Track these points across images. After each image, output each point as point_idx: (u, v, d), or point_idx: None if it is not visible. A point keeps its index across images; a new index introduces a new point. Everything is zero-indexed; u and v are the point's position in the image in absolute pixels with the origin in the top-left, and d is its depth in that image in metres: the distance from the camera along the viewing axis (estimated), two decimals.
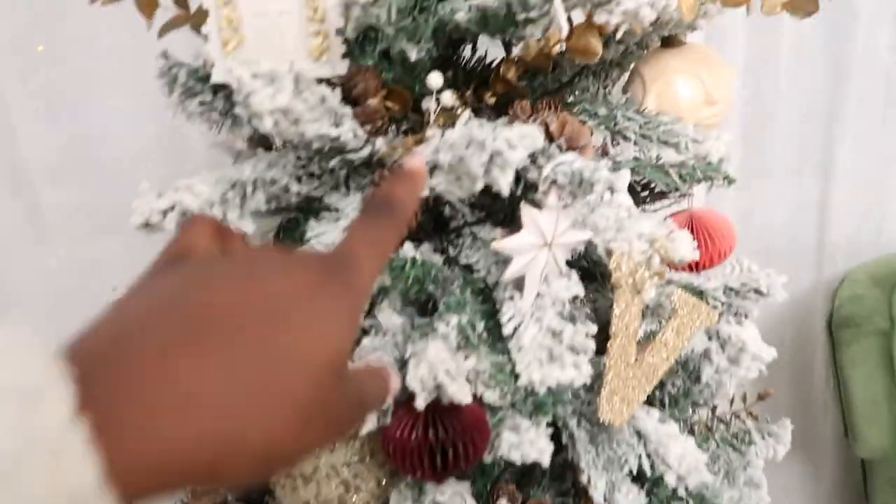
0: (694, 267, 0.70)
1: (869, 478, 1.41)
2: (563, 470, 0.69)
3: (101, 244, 1.38)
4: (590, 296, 0.69)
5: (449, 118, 0.64)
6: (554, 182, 0.53)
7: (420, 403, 0.52)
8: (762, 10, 0.54)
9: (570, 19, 0.58)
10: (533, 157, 0.54)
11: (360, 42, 0.55)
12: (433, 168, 0.54)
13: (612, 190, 0.50)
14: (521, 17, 0.50)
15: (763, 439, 0.76)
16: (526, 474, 0.69)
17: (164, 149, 1.34)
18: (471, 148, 0.48)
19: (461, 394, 0.53)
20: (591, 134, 0.63)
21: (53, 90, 1.26)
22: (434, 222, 0.67)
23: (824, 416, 1.49)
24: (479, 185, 0.51)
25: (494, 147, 0.47)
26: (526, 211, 0.53)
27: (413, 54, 0.52)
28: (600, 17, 0.52)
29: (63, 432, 0.20)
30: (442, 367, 0.50)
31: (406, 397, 0.54)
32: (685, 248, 0.58)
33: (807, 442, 1.50)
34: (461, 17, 0.55)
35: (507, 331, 0.58)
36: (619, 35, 0.56)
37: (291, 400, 0.26)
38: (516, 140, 0.47)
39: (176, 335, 0.25)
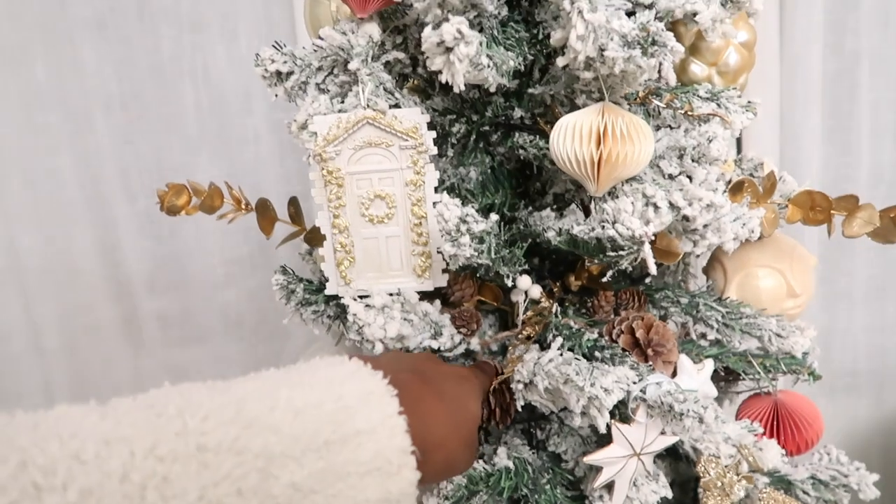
0: None
1: None
2: None
3: (190, 352, 1.48)
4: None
5: (537, 311, 0.68)
6: (643, 401, 0.55)
7: None
8: (844, 235, 0.56)
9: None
10: None
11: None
12: (528, 384, 0.58)
13: (700, 420, 0.52)
14: (610, 252, 0.54)
15: None
16: None
17: (253, 266, 1.43)
18: (568, 387, 0.51)
19: None
20: (675, 335, 0.65)
21: (155, 209, 1.37)
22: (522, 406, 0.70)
23: None
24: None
25: (592, 393, 0.50)
26: (615, 428, 0.56)
27: (510, 281, 0.57)
28: (685, 246, 0.55)
29: (390, 420, 0.39)
30: None
31: None
32: (774, 457, 0.59)
33: None
34: (551, 235, 0.59)
35: None
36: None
37: (466, 433, 0.47)
38: (612, 385, 0.50)
39: (428, 386, 0.46)
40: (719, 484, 0.60)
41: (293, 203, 0.64)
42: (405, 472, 0.38)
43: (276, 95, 0.58)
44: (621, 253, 0.53)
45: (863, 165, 1.31)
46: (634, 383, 0.55)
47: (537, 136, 0.62)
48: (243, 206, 0.63)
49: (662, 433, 0.59)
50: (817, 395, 1.38)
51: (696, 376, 0.65)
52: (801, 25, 1.20)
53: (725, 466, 0.60)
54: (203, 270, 1.43)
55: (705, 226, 0.54)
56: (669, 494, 0.61)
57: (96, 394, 0.38)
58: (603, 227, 0.53)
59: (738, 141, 1.29)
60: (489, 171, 0.67)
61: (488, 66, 0.48)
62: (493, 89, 0.52)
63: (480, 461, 0.58)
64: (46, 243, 1.36)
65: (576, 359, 0.52)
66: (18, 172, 1.30)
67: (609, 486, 0.60)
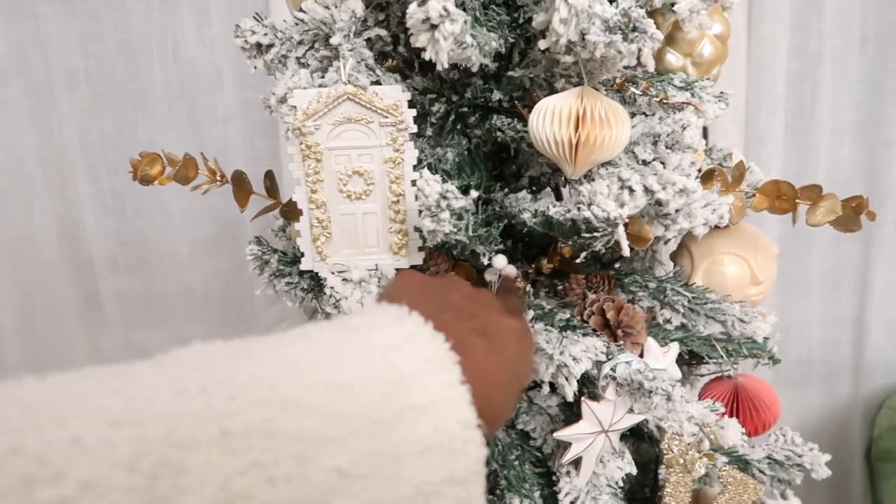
0: None
1: None
2: None
3: (152, 333, 1.46)
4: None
5: None
6: (613, 379, 0.57)
7: None
8: (807, 223, 0.58)
9: None
10: None
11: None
12: None
13: (668, 398, 0.54)
14: (585, 234, 0.55)
15: None
16: None
17: (219, 247, 1.42)
18: (538, 356, 0.52)
19: None
20: (643, 317, 0.67)
21: (120, 187, 1.35)
22: None
23: None
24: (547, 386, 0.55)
25: (560, 361, 0.51)
26: (585, 404, 0.57)
27: (485, 259, 0.57)
28: (657, 231, 0.57)
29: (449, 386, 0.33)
30: None
31: None
32: (734, 435, 0.61)
33: None
34: (527, 217, 0.60)
35: None
36: None
37: (516, 393, 0.42)
38: (580, 354, 0.51)
39: (492, 350, 0.40)
40: (682, 461, 0.62)
41: (269, 176, 0.64)
42: (471, 449, 0.33)
43: (255, 68, 0.57)
44: (595, 234, 0.55)
45: (821, 163, 1.35)
46: (607, 359, 0.56)
47: (515, 119, 0.63)
48: (218, 178, 0.62)
49: (630, 411, 0.60)
50: (772, 384, 1.43)
51: (661, 359, 0.66)
52: (767, 27, 1.24)
53: (688, 444, 0.62)
54: (168, 250, 1.41)
55: (677, 210, 0.56)
56: (634, 471, 0.63)
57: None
58: (578, 209, 0.54)
59: (705, 138, 1.32)
60: (466, 152, 0.68)
61: (472, 46, 0.48)
62: (474, 69, 0.52)
63: None
64: (4, 220, 1.32)
65: (546, 330, 0.53)
66: None
67: (576, 462, 0.61)
